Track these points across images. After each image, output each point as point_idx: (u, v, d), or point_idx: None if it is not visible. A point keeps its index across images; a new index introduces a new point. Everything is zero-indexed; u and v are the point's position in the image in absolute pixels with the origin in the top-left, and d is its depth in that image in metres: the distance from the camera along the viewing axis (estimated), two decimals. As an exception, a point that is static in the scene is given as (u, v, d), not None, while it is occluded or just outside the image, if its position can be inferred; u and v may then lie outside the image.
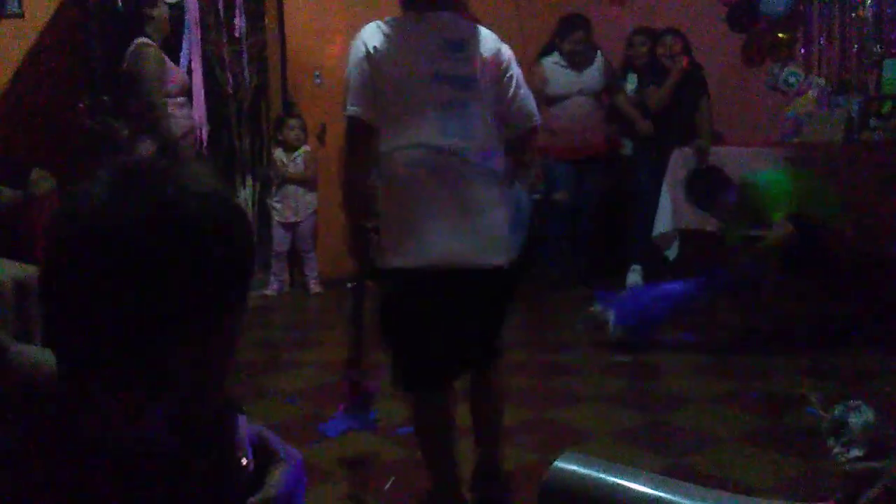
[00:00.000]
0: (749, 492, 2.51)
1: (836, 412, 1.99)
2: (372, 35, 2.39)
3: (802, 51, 5.54)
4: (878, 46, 5.19)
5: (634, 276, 5.54)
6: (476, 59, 2.39)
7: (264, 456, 0.85)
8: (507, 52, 2.47)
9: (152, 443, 0.78)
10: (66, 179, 1.93)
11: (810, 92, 5.37)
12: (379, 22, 2.43)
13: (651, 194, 5.23)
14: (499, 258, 2.33)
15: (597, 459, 0.89)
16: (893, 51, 5.11)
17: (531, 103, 2.51)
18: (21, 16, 4.72)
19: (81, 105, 4.77)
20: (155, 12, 4.42)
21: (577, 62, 5.43)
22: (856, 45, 5.29)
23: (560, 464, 0.88)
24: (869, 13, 5.24)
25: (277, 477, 0.83)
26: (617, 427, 3.12)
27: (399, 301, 2.37)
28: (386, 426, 3.13)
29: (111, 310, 0.74)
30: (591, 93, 5.48)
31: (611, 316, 4.12)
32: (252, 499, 0.81)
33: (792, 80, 5.46)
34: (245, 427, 0.86)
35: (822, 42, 5.46)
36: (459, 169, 2.32)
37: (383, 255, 2.38)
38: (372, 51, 2.36)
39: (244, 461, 0.84)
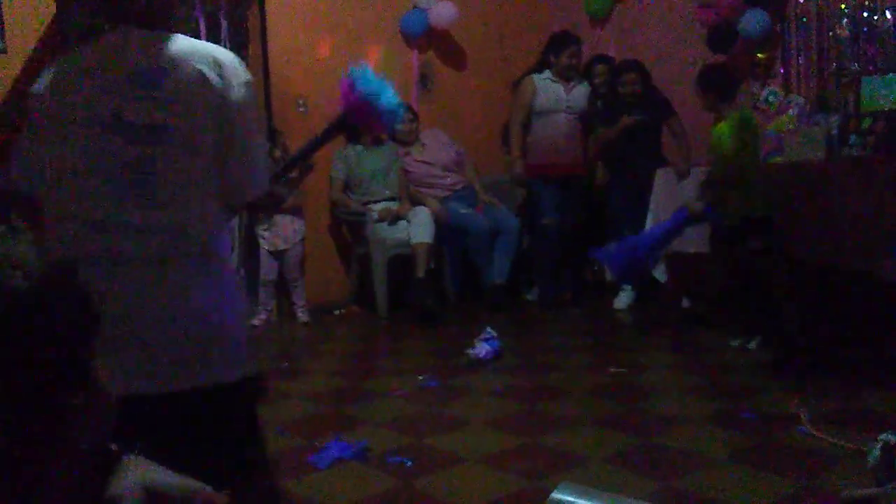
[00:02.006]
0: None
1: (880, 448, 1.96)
2: (49, 70, 1.81)
3: (781, 70, 5.61)
4: (855, 64, 5.26)
5: (625, 297, 5.55)
6: (175, 97, 1.72)
7: None
8: (236, 85, 1.74)
9: None
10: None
11: (790, 110, 5.42)
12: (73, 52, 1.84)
13: (627, 218, 5.28)
14: (188, 381, 1.69)
15: (593, 490, 0.88)
16: (871, 68, 5.17)
17: (250, 169, 1.78)
18: (4, 52, 4.71)
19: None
20: None
21: (570, 77, 5.49)
22: (833, 64, 5.35)
23: (557, 495, 0.87)
24: (846, 32, 5.31)
25: None
26: (608, 450, 3.10)
27: None
28: (376, 456, 3.11)
29: None
30: (577, 111, 5.53)
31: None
32: None
33: (772, 99, 5.52)
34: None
35: (800, 61, 5.53)
36: (138, 254, 1.69)
37: None
38: (34, 92, 1.80)
39: None
